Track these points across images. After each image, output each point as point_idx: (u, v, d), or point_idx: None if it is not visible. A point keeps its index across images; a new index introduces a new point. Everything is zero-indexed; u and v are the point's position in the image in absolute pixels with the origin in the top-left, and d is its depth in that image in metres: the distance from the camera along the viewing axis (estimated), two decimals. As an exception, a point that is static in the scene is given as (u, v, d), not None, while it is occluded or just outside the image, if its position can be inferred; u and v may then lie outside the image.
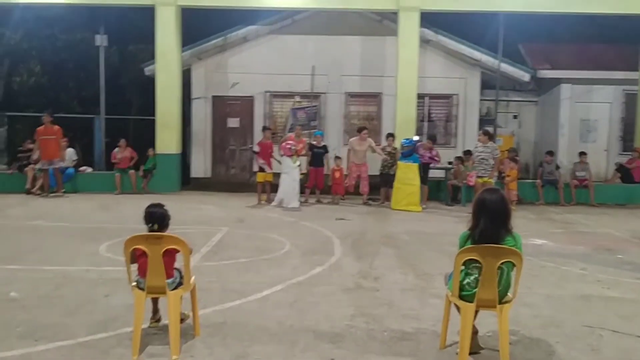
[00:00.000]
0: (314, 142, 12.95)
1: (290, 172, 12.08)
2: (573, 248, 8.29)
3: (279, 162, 12.58)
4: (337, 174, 13.00)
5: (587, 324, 4.80)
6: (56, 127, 13.32)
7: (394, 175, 12.49)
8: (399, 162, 12.34)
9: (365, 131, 13.13)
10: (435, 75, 16.26)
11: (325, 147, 12.94)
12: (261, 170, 12.70)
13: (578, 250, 8.16)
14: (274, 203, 12.22)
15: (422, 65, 14.75)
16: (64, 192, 13.35)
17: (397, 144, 12.79)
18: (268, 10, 15.40)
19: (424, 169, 12.79)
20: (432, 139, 13.65)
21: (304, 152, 12.58)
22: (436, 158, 13.16)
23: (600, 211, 12.74)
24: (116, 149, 14.52)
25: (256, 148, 13.07)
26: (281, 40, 16.32)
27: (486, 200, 3.89)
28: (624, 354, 4.17)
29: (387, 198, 12.69)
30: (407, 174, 12.11)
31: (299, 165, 12.33)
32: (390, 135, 13.13)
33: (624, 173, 14.67)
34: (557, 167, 14.46)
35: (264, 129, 13.60)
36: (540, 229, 9.79)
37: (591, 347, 4.28)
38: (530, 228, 9.58)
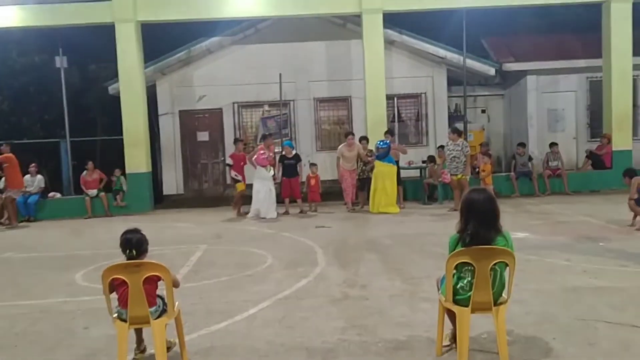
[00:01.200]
0: (284, 153, 12.77)
1: (265, 182, 11.88)
2: (554, 239, 8.30)
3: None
4: (312, 182, 12.84)
5: (580, 317, 4.75)
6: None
7: (371, 178, 12.40)
8: (376, 163, 12.25)
9: (351, 136, 12.99)
10: (402, 75, 16.32)
11: (297, 156, 12.76)
12: (236, 181, 12.54)
13: (559, 240, 8.17)
14: (249, 215, 12.00)
15: (388, 66, 14.76)
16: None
17: (371, 146, 12.73)
18: (230, 21, 15.25)
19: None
20: (390, 132, 13.46)
21: (273, 162, 12.41)
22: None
23: (575, 199, 12.86)
24: (84, 172, 14.18)
25: (229, 161, 12.89)
26: (246, 50, 16.20)
27: (474, 201, 3.79)
28: (622, 345, 4.12)
29: (366, 202, 12.61)
30: (385, 176, 12.02)
31: (273, 175, 12.17)
32: (364, 139, 13.03)
33: (594, 160, 14.85)
34: (530, 159, 14.59)
35: (236, 140, 13.44)
36: (520, 221, 9.79)
37: (588, 341, 4.23)
38: (510, 221, 9.51)
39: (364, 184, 12.72)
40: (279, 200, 12.30)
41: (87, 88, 19.51)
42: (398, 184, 12.63)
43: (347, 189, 12.82)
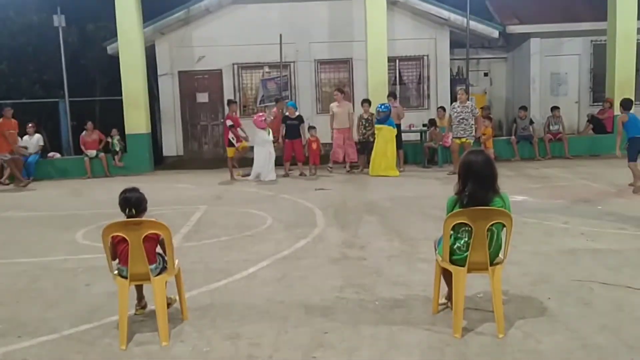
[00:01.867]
0: (287, 114, 12.70)
1: (265, 145, 11.85)
2: (553, 202, 8.34)
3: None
4: (313, 145, 12.79)
5: (576, 278, 4.81)
6: (14, 121, 12.91)
7: (373, 142, 12.38)
8: (376, 126, 12.21)
9: (337, 92, 12.98)
10: (405, 37, 16.12)
11: (300, 118, 12.69)
12: (230, 145, 12.46)
13: (558, 204, 8.20)
14: (250, 177, 12.01)
15: (390, 27, 14.57)
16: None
17: (373, 109, 12.65)
18: (230, -20, 15.02)
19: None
20: (393, 96, 13.42)
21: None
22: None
23: (575, 163, 12.86)
24: (84, 132, 14.14)
25: (229, 122, 12.82)
26: (246, 10, 15.98)
27: (472, 163, 3.79)
28: (615, 305, 4.17)
29: (366, 165, 12.60)
30: (385, 139, 12.02)
31: (273, 140, 12.17)
32: (366, 102, 12.90)
33: (596, 124, 14.80)
34: (531, 122, 14.57)
35: (229, 102, 13.33)
36: (519, 185, 9.81)
37: (583, 301, 4.28)
38: (509, 185, 9.57)
39: (364, 147, 12.67)
40: (280, 163, 12.30)
41: (85, 48, 19.27)
42: (399, 147, 12.62)
43: (335, 148, 12.79)
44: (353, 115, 12.99)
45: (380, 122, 12.15)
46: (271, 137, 12.01)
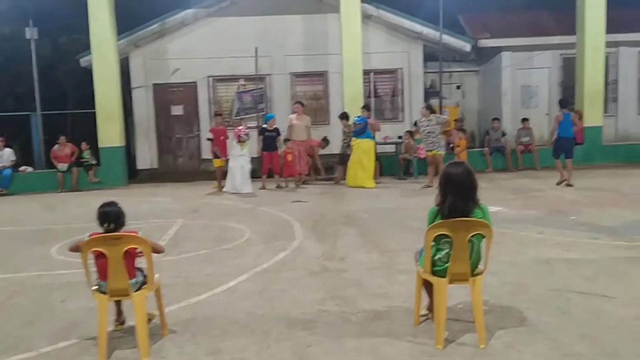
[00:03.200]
0: (265, 126, 12.73)
1: (237, 158, 11.81)
2: (527, 213, 8.46)
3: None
4: (289, 157, 12.85)
5: (553, 287, 4.88)
6: None
7: (350, 154, 12.51)
8: (354, 140, 12.33)
9: (297, 105, 13.19)
10: (379, 50, 16.26)
11: (277, 130, 12.73)
12: (216, 156, 12.49)
13: (532, 214, 8.33)
14: (225, 189, 11.99)
15: (365, 41, 14.71)
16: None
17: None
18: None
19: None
20: (367, 108, 13.53)
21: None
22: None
23: (547, 174, 13.03)
24: (56, 146, 13.94)
25: (209, 135, 12.82)
26: (221, 23, 15.97)
27: (452, 175, 3.84)
28: (593, 314, 4.24)
29: (344, 177, 12.65)
30: (362, 150, 12.15)
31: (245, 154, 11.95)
32: (344, 117, 13.02)
33: (566, 136, 15.04)
34: (504, 134, 14.83)
35: (216, 114, 13.39)
36: (494, 196, 9.93)
37: (561, 310, 4.34)
38: (484, 196, 9.58)
39: (342, 159, 12.77)
40: (257, 175, 12.29)
41: (58, 60, 19.10)
42: (375, 159, 12.71)
43: (291, 160, 12.89)
44: (310, 129, 13.23)
45: (356, 133, 12.23)
46: (246, 151, 11.92)
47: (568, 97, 12.22)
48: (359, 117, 12.44)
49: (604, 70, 14.97)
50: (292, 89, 16.58)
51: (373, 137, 12.50)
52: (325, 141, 14.79)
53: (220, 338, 4.08)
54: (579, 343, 3.74)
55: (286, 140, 13.17)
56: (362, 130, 12.22)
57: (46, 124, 16.00)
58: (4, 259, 6.90)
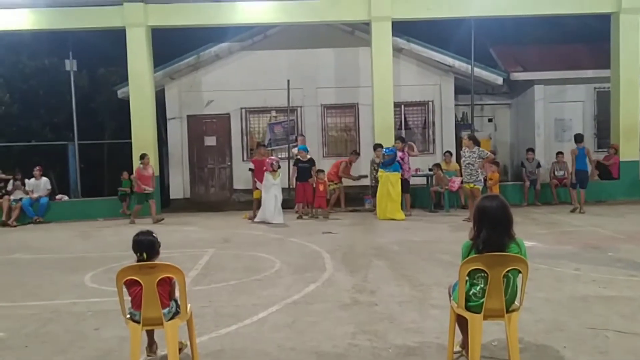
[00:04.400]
0: (299, 157, 12.86)
1: (270, 188, 11.92)
2: (562, 248, 8.29)
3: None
4: (320, 187, 12.91)
5: (590, 325, 4.75)
6: None
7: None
8: (380, 172, 12.28)
9: (301, 137, 13.67)
10: (410, 83, 16.34)
11: (311, 161, 12.91)
12: (256, 187, 12.62)
13: (567, 249, 8.16)
14: (256, 219, 12.12)
15: (396, 73, 14.80)
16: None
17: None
18: (240, 27, 15.36)
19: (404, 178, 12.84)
20: (401, 139, 13.34)
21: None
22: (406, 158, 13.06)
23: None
24: (140, 165, 13.11)
25: (251, 165, 12.99)
26: (254, 56, 16.27)
27: (487, 208, 3.81)
28: (632, 354, 4.12)
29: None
30: (390, 183, 12.08)
31: (278, 184, 12.12)
32: (379, 146, 12.94)
33: (601, 170, 14.83)
34: (539, 165, 14.58)
35: (258, 145, 13.61)
36: (528, 230, 9.76)
37: (598, 350, 4.23)
38: (518, 230, 9.52)
39: (376, 190, 12.67)
40: (288, 206, 12.35)
41: (96, 92, 19.60)
42: (406, 191, 12.67)
43: (322, 190, 12.97)
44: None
45: (385, 165, 12.21)
46: (278, 180, 12.05)
47: (582, 133, 13.60)
48: (388, 148, 12.42)
49: (638, 104, 14.74)
50: (323, 121, 16.72)
51: (401, 170, 12.43)
52: (355, 154, 14.80)
53: (250, 370, 4.06)
54: (619, 384, 3.63)
55: (319, 171, 13.26)
56: (390, 161, 12.14)
57: (83, 153, 16.36)
58: (39, 286, 7.00)
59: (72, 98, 15.54)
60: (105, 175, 20.08)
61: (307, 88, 16.27)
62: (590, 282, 6.21)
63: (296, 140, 14.08)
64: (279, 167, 12.12)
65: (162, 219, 12.80)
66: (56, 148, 18.19)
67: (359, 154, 14.93)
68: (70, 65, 15.62)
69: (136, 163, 14.15)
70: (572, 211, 12.29)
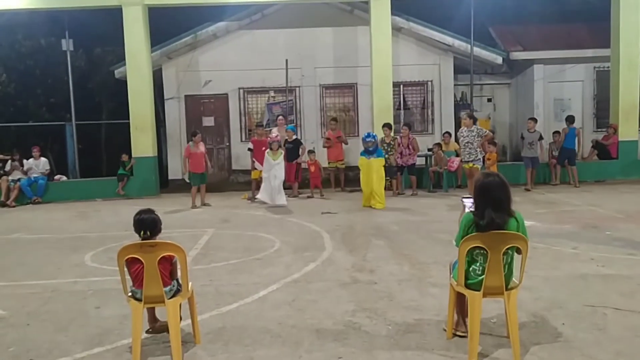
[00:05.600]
0: (286, 138, 12.88)
1: (270, 169, 11.57)
2: (561, 227, 8.32)
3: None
4: (312, 168, 13.01)
5: (589, 303, 4.79)
6: None
7: (396, 166, 12.61)
8: (361, 159, 11.35)
9: (280, 117, 13.58)
10: (409, 62, 16.24)
11: (297, 141, 13.00)
12: (255, 167, 12.58)
13: (566, 229, 8.19)
14: (259, 196, 11.70)
15: (395, 53, 14.69)
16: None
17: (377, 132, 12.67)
18: (237, 6, 15.24)
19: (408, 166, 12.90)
20: (388, 126, 12.82)
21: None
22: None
23: (581, 189, 12.85)
24: (190, 143, 12.35)
25: (250, 145, 12.95)
26: (252, 36, 16.15)
27: (487, 186, 3.80)
28: (630, 331, 4.15)
29: (390, 187, 12.57)
30: (374, 170, 11.04)
31: (280, 163, 11.64)
32: (386, 125, 12.73)
33: (600, 150, 14.83)
34: (541, 137, 13.35)
35: (257, 125, 13.58)
36: (526, 210, 9.75)
37: (597, 327, 4.26)
38: (517, 210, 9.54)
39: (387, 170, 12.04)
40: (286, 187, 12.34)
41: (93, 72, 19.47)
42: (411, 173, 12.70)
43: (314, 171, 13.03)
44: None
45: (369, 152, 11.19)
46: (278, 160, 11.60)
47: (574, 115, 14.30)
48: (369, 133, 11.49)
49: (638, 83, 14.69)
50: (322, 101, 16.65)
51: (385, 156, 11.69)
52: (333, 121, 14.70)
53: (252, 347, 4.09)
54: (617, 360, 3.66)
55: (310, 152, 13.29)
56: (374, 148, 11.19)
57: (80, 134, 16.30)
58: (39, 266, 7.02)
59: (69, 78, 15.45)
60: (103, 155, 20.02)
61: (306, 68, 16.19)
62: (589, 261, 6.25)
63: (276, 120, 13.96)
64: (280, 146, 11.90)
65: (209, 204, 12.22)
66: (54, 128, 18.11)
67: (336, 120, 14.91)
68: (67, 45, 15.49)
69: (135, 142, 14.15)
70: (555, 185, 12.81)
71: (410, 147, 12.85)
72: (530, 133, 13.26)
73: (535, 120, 13.66)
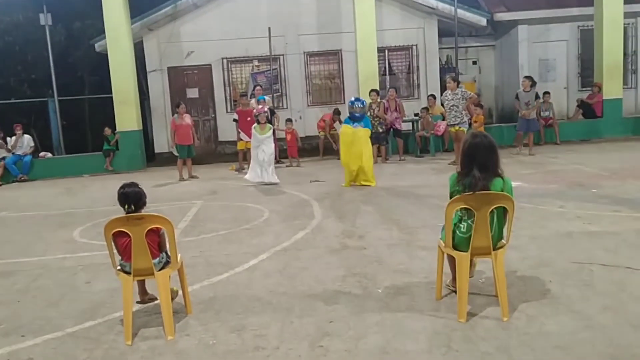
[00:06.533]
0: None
1: (259, 145, 10.50)
2: (547, 187, 8.39)
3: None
4: (288, 137, 13.00)
5: (576, 260, 4.85)
6: None
7: (383, 132, 12.50)
8: (345, 127, 9.79)
9: (258, 88, 13.27)
10: (393, 27, 16.11)
11: (270, 110, 12.74)
12: (241, 138, 12.49)
13: (552, 188, 8.26)
14: (247, 177, 10.63)
15: (378, 17, 14.57)
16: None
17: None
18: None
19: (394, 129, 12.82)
20: (376, 92, 12.74)
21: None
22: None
23: (566, 148, 12.94)
24: (175, 115, 12.11)
25: (235, 116, 12.85)
26: (234, 4, 15.90)
27: (475, 146, 3.80)
28: (616, 286, 4.21)
29: (379, 155, 12.59)
30: (360, 142, 9.51)
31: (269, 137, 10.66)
32: (374, 91, 12.66)
33: (585, 109, 14.89)
34: (537, 97, 12.69)
35: (241, 95, 13.45)
36: (513, 171, 9.77)
37: (584, 283, 4.32)
38: (503, 171, 9.57)
39: (376, 138, 12.05)
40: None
41: (73, 46, 19.15)
42: (399, 137, 12.69)
43: (290, 139, 13.07)
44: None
45: (354, 119, 9.64)
46: (268, 134, 10.63)
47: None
48: (358, 98, 9.92)
49: (622, 42, 14.69)
50: (307, 69, 16.51)
51: (371, 126, 10.35)
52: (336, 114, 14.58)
53: (243, 315, 4.12)
54: (603, 314, 3.72)
55: (288, 120, 13.29)
56: (361, 115, 9.68)
57: (64, 109, 16.10)
58: (28, 243, 7.00)
59: (49, 53, 15.19)
60: (88, 131, 19.83)
61: (289, 35, 16.00)
62: (575, 219, 6.31)
63: (254, 90, 13.82)
64: (268, 119, 10.95)
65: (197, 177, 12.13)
66: (36, 105, 17.90)
67: (339, 113, 14.69)
68: (45, 19, 15.20)
69: (120, 117, 14.01)
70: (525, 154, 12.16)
71: (398, 109, 12.84)
72: (526, 92, 12.48)
73: (531, 79, 12.84)
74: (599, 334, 3.44)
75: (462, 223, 3.83)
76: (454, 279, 4.16)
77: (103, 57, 14.73)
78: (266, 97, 12.93)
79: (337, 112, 14.23)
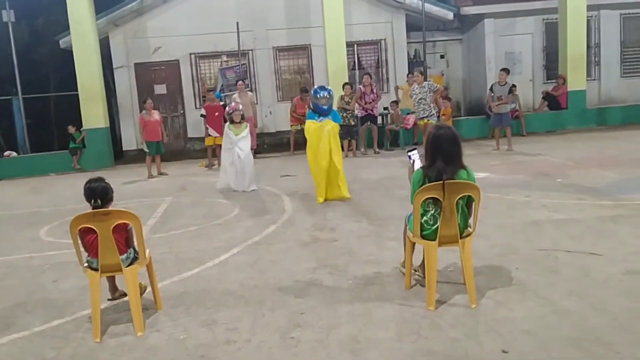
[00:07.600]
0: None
1: (232, 146, 9.18)
2: (514, 177, 8.52)
3: None
4: None
5: (541, 248, 4.95)
6: None
7: (355, 125, 12.54)
8: (310, 122, 7.88)
9: (240, 82, 13.18)
10: (362, 21, 16.15)
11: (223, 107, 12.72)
12: (209, 134, 12.38)
13: (519, 178, 8.39)
14: (218, 186, 9.52)
15: (347, 12, 14.59)
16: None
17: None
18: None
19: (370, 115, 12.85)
20: (369, 75, 13.33)
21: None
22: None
23: (532, 139, 13.16)
24: (143, 112, 11.81)
25: (202, 111, 12.73)
26: (201, -1, 15.74)
27: (439, 138, 3.85)
28: (581, 272, 4.31)
29: (349, 148, 12.64)
30: (325, 138, 7.69)
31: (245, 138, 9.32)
32: (347, 84, 12.85)
33: (550, 101, 15.15)
34: (511, 91, 12.14)
35: (209, 90, 13.34)
36: (480, 162, 9.98)
37: (550, 269, 4.41)
38: (471, 163, 9.68)
39: (346, 131, 12.08)
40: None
41: (37, 43, 18.80)
42: (374, 123, 13.00)
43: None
44: (255, 106, 13.25)
45: (321, 112, 7.83)
46: (244, 133, 9.27)
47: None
48: (324, 88, 8.06)
49: (585, 34, 14.97)
50: (276, 64, 16.46)
51: (341, 121, 8.80)
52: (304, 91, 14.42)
53: (214, 309, 4.11)
54: (568, 299, 3.81)
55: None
56: (328, 109, 7.88)
57: (29, 107, 15.78)
58: (-7, 243, 6.86)
59: (12, 51, 14.85)
60: (54, 129, 19.47)
61: (258, 30, 15.92)
62: (541, 208, 6.43)
63: (236, 85, 13.72)
64: (243, 118, 9.49)
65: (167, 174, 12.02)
66: (0, 103, 17.48)
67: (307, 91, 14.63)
68: (8, 15, 14.84)
69: (86, 114, 13.79)
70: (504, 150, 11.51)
71: (374, 93, 12.93)
72: (502, 86, 11.78)
73: (508, 71, 12.13)
74: (565, 319, 3.52)
75: (429, 216, 3.87)
76: (423, 263, 4.20)
77: (68, 54, 14.47)
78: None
79: (304, 91, 13.47)
